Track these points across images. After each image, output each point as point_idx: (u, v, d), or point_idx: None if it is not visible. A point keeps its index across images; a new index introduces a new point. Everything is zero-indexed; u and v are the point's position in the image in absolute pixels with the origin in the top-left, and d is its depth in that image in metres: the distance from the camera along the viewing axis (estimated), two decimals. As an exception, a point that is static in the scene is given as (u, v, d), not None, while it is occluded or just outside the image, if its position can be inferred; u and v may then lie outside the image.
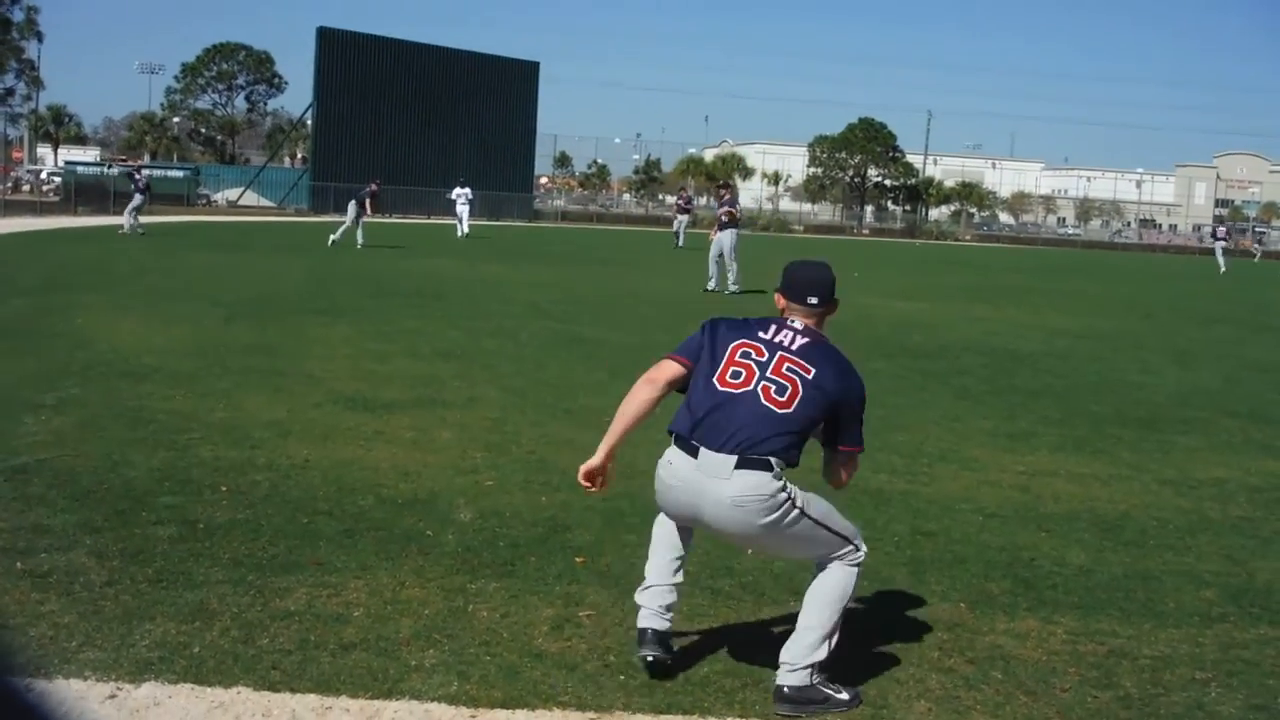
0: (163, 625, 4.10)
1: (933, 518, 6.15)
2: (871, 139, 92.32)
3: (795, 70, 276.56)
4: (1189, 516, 6.51)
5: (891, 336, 14.83)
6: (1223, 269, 42.35)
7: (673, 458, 3.81)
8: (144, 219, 29.94)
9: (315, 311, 14.10)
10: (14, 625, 4.02)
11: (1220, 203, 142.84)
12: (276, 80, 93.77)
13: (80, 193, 46.29)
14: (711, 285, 20.51)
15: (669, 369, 3.95)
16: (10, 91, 52.38)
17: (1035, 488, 6.96)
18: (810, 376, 3.79)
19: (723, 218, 20.78)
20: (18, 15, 50.50)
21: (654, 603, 3.94)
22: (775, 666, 3.81)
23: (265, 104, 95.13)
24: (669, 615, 3.95)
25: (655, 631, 3.89)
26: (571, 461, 6.92)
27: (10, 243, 25.27)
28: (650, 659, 3.87)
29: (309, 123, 63.74)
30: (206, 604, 4.33)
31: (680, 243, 37.95)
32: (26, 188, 60.74)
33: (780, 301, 4.09)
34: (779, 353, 3.84)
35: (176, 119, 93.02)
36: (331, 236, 28.61)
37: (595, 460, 3.97)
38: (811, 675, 3.76)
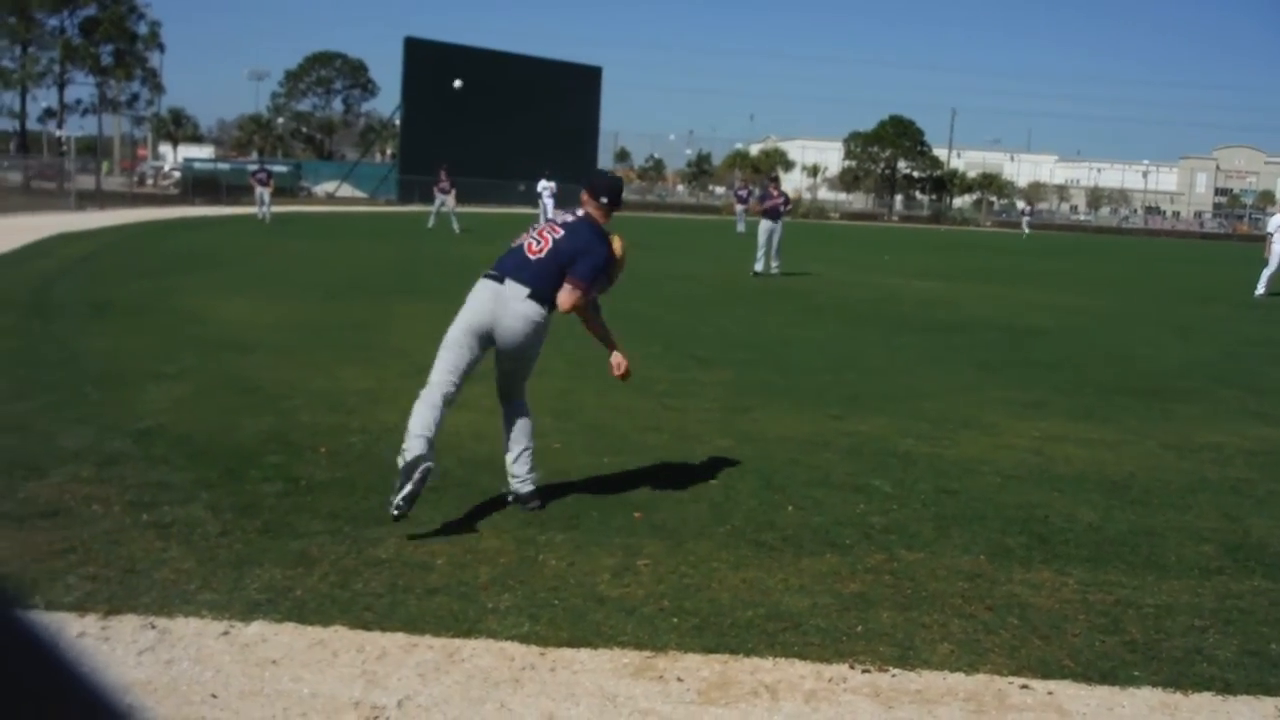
0: (270, 571, 4.16)
1: (955, 478, 6.08)
2: (901, 134, 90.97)
3: (832, 73, 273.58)
4: (1189, 478, 6.39)
5: (917, 314, 14.69)
6: (1026, 235, 56.73)
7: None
8: (246, 209, 30.39)
9: (402, 292, 14.19)
10: (141, 569, 4.10)
11: (1220, 191, 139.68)
12: (369, 85, 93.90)
13: (196, 186, 46.91)
14: (758, 268, 19.98)
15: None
16: (135, 97, 52.95)
17: (1048, 451, 6.86)
18: (558, 237, 5.00)
19: (781, 207, 20.39)
20: (142, 29, 51.07)
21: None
22: (811, 610, 3.80)
23: (359, 106, 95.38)
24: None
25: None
26: (630, 427, 6.97)
27: (136, 231, 25.63)
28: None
29: (397, 122, 64.10)
30: (308, 552, 4.38)
31: (741, 228, 37.67)
32: (150, 182, 61.57)
33: (584, 197, 5.21)
34: (549, 224, 5.11)
35: (280, 120, 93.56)
36: (455, 226, 30.16)
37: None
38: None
